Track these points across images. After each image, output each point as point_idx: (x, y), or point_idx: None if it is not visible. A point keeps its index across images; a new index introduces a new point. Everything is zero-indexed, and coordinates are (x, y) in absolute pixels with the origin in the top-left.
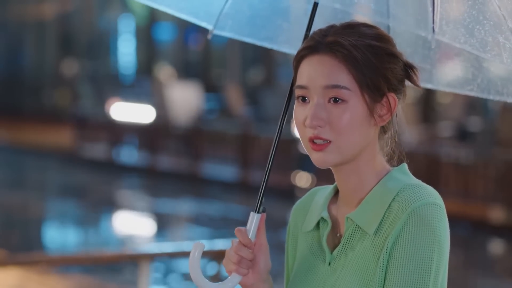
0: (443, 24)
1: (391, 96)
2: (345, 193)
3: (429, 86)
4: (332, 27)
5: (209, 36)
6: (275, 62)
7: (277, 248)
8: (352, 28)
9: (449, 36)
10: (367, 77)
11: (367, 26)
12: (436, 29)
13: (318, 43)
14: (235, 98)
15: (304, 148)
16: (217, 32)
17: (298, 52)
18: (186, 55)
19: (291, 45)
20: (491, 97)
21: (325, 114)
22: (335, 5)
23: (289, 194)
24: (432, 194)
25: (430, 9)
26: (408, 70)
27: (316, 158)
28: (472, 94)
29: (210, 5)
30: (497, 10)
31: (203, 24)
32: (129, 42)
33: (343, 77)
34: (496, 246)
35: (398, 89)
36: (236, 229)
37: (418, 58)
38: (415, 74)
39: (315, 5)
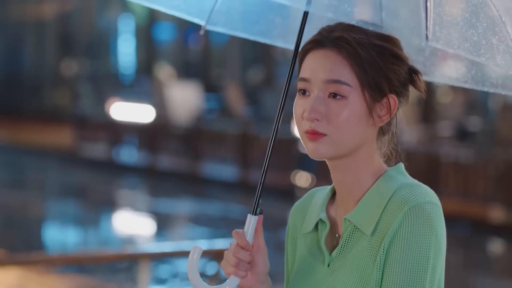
0: (437, 30)
1: (392, 97)
2: (342, 193)
3: (425, 78)
4: (340, 24)
5: (202, 32)
6: (275, 62)
7: (277, 248)
8: (359, 26)
9: (443, 42)
10: (369, 76)
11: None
12: (429, 36)
13: (324, 37)
14: (235, 98)
15: (301, 140)
16: (209, 27)
17: (304, 46)
18: (186, 55)
19: (284, 40)
20: (485, 89)
21: (323, 108)
22: (327, 15)
23: (289, 194)
24: (428, 193)
25: (423, 15)
26: (412, 75)
27: (311, 147)
28: (467, 86)
29: (202, 1)
30: (492, 10)
31: (196, 20)
32: (129, 42)
33: (345, 73)
34: (496, 246)
35: (400, 91)
36: (233, 231)
37: (411, 51)
38: (420, 80)
39: (305, 14)
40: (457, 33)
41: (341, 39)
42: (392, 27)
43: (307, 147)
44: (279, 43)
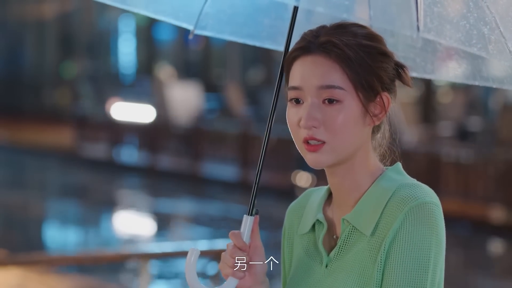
0: (428, 21)
1: (385, 95)
2: (340, 195)
3: (414, 74)
4: (323, 27)
5: (191, 37)
6: (275, 62)
7: (277, 248)
8: (343, 28)
9: (435, 32)
10: (361, 76)
11: (358, 26)
12: (421, 27)
13: (310, 43)
14: (235, 98)
15: (298, 149)
16: (198, 32)
17: (290, 54)
18: (186, 55)
19: (273, 41)
20: (476, 83)
21: (320, 115)
22: (317, 9)
23: (289, 194)
24: (428, 193)
25: (414, 6)
26: (398, 70)
27: (311, 158)
28: (457, 80)
29: (189, 6)
30: (479, 1)
31: (184, 25)
32: (129, 42)
33: (337, 77)
34: (496, 246)
35: (390, 88)
36: (230, 232)
37: (401, 47)
38: (406, 74)
39: (295, 9)
40: (448, 24)
41: (329, 43)
42: (383, 20)
43: (306, 158)
44: (268, 45)
